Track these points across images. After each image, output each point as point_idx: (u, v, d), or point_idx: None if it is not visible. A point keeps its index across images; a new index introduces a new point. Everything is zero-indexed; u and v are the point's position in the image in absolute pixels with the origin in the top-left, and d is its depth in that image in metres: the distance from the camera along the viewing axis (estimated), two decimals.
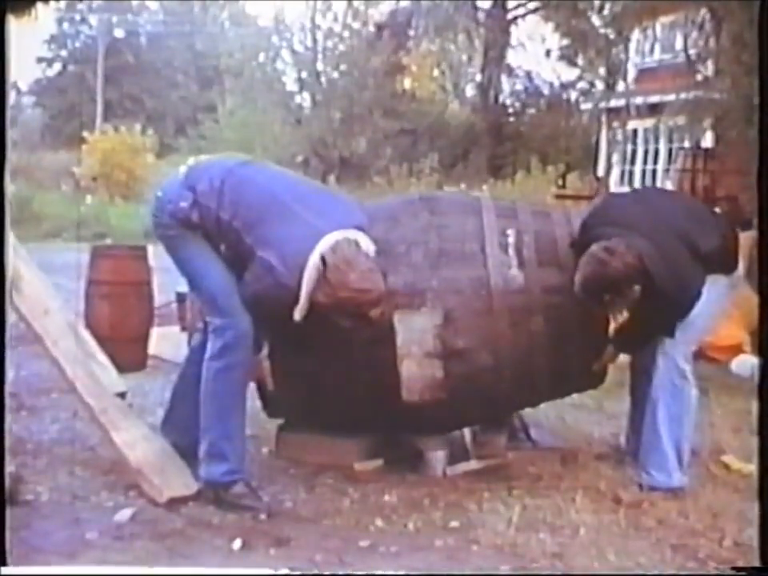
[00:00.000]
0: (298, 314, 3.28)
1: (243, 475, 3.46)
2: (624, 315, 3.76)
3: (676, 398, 3.73)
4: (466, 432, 4.18)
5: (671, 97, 11.12)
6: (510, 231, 3.80)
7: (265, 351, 3.63)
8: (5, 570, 2.69)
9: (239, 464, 3.46)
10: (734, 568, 2.87)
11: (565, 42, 16.54)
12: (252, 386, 3.75)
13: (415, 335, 3.64)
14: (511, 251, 3.76)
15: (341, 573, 2.85)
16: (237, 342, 3.40)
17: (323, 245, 3.26)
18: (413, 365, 3.64)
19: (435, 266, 3.72)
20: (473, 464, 3.81)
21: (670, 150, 16.91)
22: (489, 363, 3.67)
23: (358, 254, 3.30)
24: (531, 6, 21.91)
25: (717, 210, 4.31)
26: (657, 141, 17.54)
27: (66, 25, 37.87)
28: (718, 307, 3.97)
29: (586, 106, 19.00)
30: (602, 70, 16.08)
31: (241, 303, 3.38)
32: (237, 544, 3.03)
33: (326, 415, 3.83)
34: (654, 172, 17.55)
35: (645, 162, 18.05)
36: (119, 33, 37.47)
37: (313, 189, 3.74)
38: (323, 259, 3.23)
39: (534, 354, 3.72)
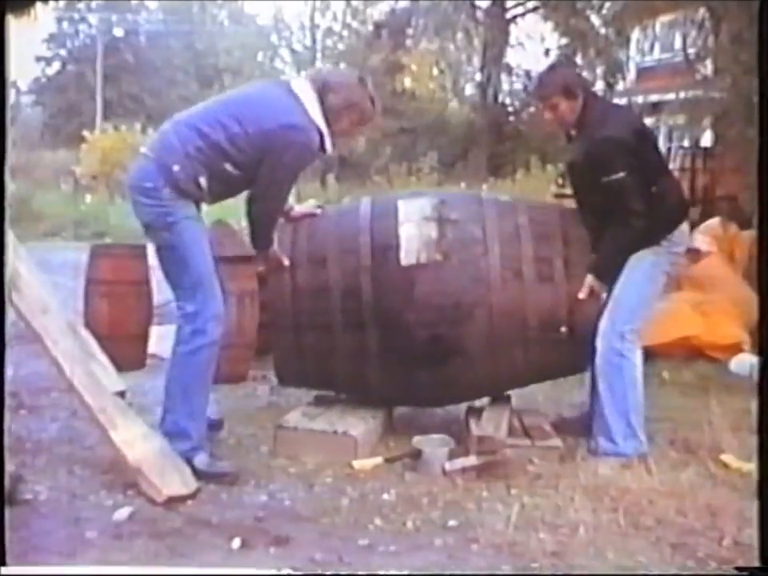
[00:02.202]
0: (329, 147, 3.81)
1: (204, 449, 3.71)
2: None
3: (616, 375, 4.08)
4: (466, 427, 4.21)
5: (670, 96, 11.14)
6: None
7: None
8: (4, 569, 2.69)
9: (200, 441, 3.72)
10: (740, 568, 2.87)
11: (564, 41, 16.54)
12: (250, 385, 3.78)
13: (415, 209, 4.21)
14: None
15: (341, 572, 2.85)
16: (206, 326, 3.65)
17: (301, 88, 3.80)
18: (411, 228, 4.14)
19: None
20: (472, 459, 3.81)
21: (669, 149, 16.90)
22: (479, 236, 4.14)
23: (348, 82, 3.93)
24: (530, 5, 21.90)
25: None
26: (656, 140, 17.53)
27: (65, 24, 37.85)
28: (647, 287, 4.16)
29: None
30: (601, 70, 16.09)
31: (218, 292, 3.71)
32: (236, 543, 3.03)
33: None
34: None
35: None
36: (118, 32, 37.46)
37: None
38: (328, 101, 3.80)
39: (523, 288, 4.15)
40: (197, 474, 3.58)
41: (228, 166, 3.72)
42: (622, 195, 4.00)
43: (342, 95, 3.85)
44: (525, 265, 4.16)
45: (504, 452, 3.85)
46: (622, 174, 3.97)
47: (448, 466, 3.80)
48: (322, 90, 3.83)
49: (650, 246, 4.10)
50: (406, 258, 4.11)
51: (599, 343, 4.08)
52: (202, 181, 3.70)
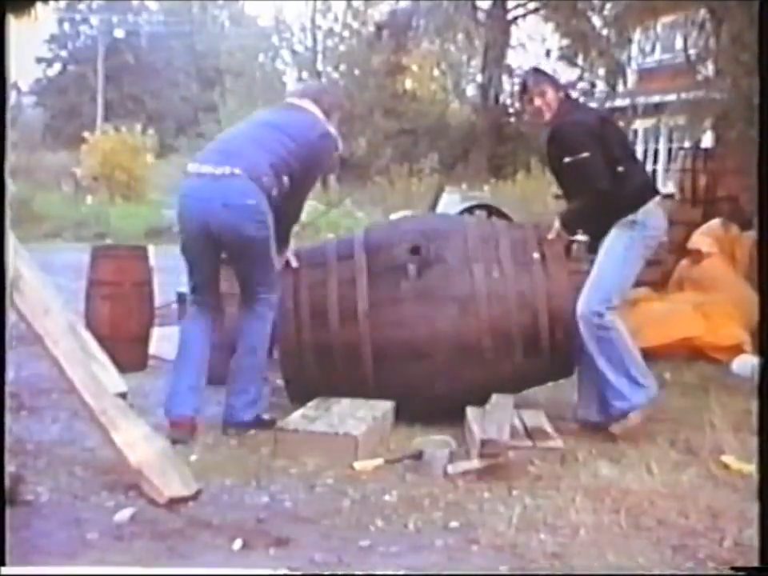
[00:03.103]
0: (340, 146, 4.60)
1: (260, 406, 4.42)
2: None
3: (606, 345, 4.41)
4: (468, 429, 4.21)
5: (671, 97, 11.11)
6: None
7: None
8: (5, 569, 2.69)
9: (196, 407, 4.29)
10: (733, 568, 2.87)
11: (565, 42, 16.51)
12: None
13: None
14: None
15: (341, 573, 2.85)
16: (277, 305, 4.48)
17: (309, 104, 4.47)
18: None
19: None
20: (474, 463, 3.81)
21: (670, 150, 16.91)
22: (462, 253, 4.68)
23: (332, 90, 5.04)
24: (531, 6, 21.87)
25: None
26: (657, 141, 17.53)
27: (66, 25, 37.92)
28: (621, 269, 4.50)
29: None
30: (602, 71, 16.06)
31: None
32: (237, 544, 3.03)
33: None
34: (654, 172, 17.53)
35: (644, 161, 18.04)
36: (119, 33, 37.52)
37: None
38: (323, 105, 4.47)
39: None
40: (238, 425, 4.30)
41: (286, 179, 4.25)
42: (587, 173, 4.46)
43: (331, 99, 4.59)
44: (507, 277, 4.60)
45: (507, 454, 3.85)
46: (586, 154, 4.43)
47: (450, 468, 3.79)
48: (318, 102, 4.49)
49: (616, 220, 4.49)
50: None
51: (580, 324, 4.42)
52: (275, 193, 4.20)
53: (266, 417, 4.41)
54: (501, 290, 4.57)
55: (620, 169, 4.50)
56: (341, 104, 4.68)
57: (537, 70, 4.96)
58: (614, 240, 4.50)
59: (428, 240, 4.67)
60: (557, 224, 4.64)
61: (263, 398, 4.50)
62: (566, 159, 4.49)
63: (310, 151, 4.32)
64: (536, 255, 4.64)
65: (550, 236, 4.65)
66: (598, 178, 4.45)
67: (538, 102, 4.59)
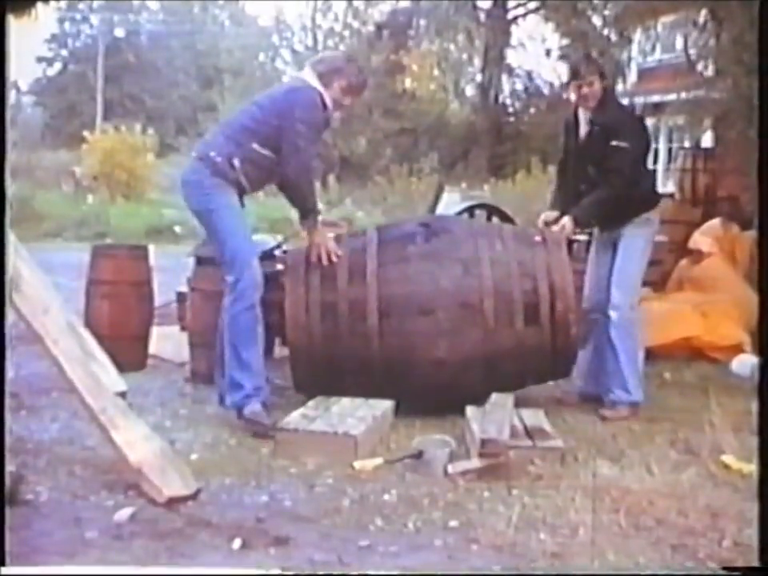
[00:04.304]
0: (330, 103, 4.51)
1: (259, 397, 4.34)
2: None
3: (629, 338, 4.84)
4: (468, 429, 4.21)
5: (672, 96, 11.12)
6: None
7: None
8: (5, 569, 2.69)
9: (254, 389, 4.33)
10: (733, 568, 2.87)
11: (565, 42, 16.51)
12: None
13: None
14: None
15: (341, 573, 2.85)
16: (244, 293, 4.31)
17: (305, 69, 4.60)
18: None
19: None
20: (475, 462, 3.81)
21: (670, 150, 16.91)
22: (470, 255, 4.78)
23: (334, 54, 5.14)
24: (531, 6, 21.90)
25: None
26: (657, 140, 17.52)
27: (66, 24, 37.90)
28: (641, 263, 4.95)
29: None
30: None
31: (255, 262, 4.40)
32: (236, 543, 3.03)
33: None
34: (654, 171, 17.54)
35: None
36: (120, 32, 37.50)
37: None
38: (317, 68, 4.53)
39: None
40: (244, 421, 4.31)
41: (256, 146, 4.41)
42: (626, 161, 4.72)
43: (327, 63, 4.62)
44: (509, 249, 4.78)
45: (507, 453, 3.85)
46: (629, 144, 4.71)
47: (450, 468, 3.79)
48: (313, 65, 4.62)
49: (633, 217, 4.83)
50: None
51: (614, 314, 4.81)
52: (236, 162, 4.37)
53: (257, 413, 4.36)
54: (503, 258, 4.74)
55: (643, 170, 4.92)
56: (338, 67, 4.57)
57: (589, 57, 5.49)
58: (634, 237, 4.85)
59: (436, 220, 5.34)
60: (566, 219, 4.79)
61: (244, 385, 4.37)
62: (613, 143, 4.70)
63: (276, 108, 4.46)
64: (537, 238, 4.81)
65: (556, 228, 4.82)
66: (635, 168, 4.78)
67: (585, 90, 4.79)
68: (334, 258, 4.63)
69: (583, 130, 4.90)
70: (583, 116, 4.92)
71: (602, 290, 4.92)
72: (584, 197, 4.83)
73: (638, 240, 4.86)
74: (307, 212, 4.62)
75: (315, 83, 4.50)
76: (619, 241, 4.88)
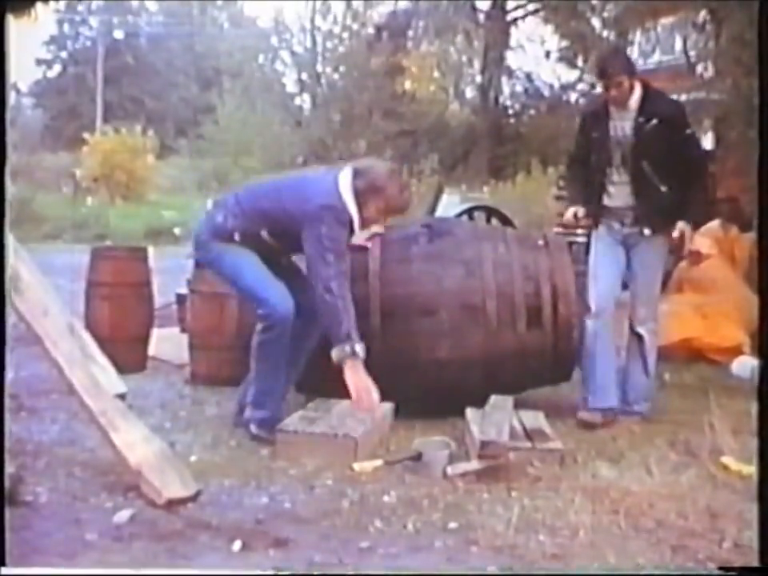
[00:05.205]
0: (357, 229, 4.17)
1: (274, 423, 4.16)
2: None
3: (652, 349, 4.89)
4: (467, 431, 4.21)
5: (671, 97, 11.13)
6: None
7: None
8: (4, 570, 2.69)
9: (271, 415, 4.25)
10: (732, 568, 2.87)
11: (564, 43, 16.52)
12: None
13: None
14: None
15: (337, 573, 2.85)
16: (273, 325, 4.17)
17: (343, 175, 4.16)
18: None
19: None
20: (474, 464, 3.81)
21: None
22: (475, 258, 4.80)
23: (377, 169, 4.25)
24: (531, 7, 21.85)
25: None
26: None
27: (65, 26, 37.93)
28: (660, 271, 4.90)
29: None
30: None
31: (279, 294, 4.17)
32: (236, 545, 3.03)
33: None
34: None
35: None
36: (119, 34, 37.53)
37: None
38: (355, 184, 4.12)
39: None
40: (248, 433, 4.27)
41: (265, 234, 4.22)
42: (699, 147, 4.81)
43: (367, 179, 4.16)
44: (512, 252, 4.80)
45: (507, 455, 3.85)
46: (690, 131, 4.73)
47: (450, 470, 3.79)
48: (354, 176, 4.17)
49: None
50: None
51: (642, 330, 4.81)
52: (236, 237, 4.23)
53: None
54: (506, 260, 4.76)
55: None
56: (380, 187, 4.13)
57: (614, 55, 5.10)
58: (657, 245, 4.77)
59: (439, 222, 5.40)
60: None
61: (265, 409, 4.33)
62: (687, 131, 4.68)
63: (303, 217, 4.08)
64: (540, 242, 4.81)
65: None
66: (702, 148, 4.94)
67: (614, 92, 4.62)
68: (376, 406, 4.08)
69: (627, 125, 4.66)
70: (619, 112, 4.70)
71: (609, 298, 4.79)
72: (644, 193, 4.65)
73: (660, 249, 4.81)
74: (339, 339, 3.96)
75: (350, 202, 4.11)
76: (636, 247, 4.77)
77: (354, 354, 3.92)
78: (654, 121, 4.61)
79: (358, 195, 4.13)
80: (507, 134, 23.78)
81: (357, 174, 4.17)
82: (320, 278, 4.01)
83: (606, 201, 4.79)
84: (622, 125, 4.69)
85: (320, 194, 4.12)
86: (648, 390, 4.92)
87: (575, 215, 4.80)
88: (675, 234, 4.64)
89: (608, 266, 4.80)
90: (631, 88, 4.63)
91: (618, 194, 4.76)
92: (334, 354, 3.94)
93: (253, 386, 4.33)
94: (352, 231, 4.16)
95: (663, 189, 4.63)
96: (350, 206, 4.11)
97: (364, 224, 4.21)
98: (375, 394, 3.95)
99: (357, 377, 3.93)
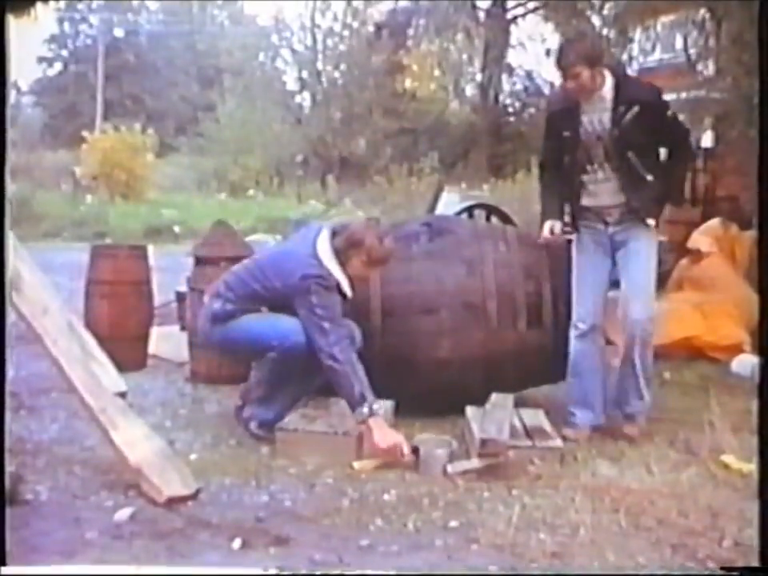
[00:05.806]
0: (347, 290, 4.18)
1: (275, 421, 4.18)
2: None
3: (647, 348, 4.49)
4: (468, 429, 4.21)
5: (672, 96, 11.12)
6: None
7: None
8: (5, 569, 2.69)
9: (276, 415, 4.22)
10: (733, 568, 2.87)
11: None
12: None
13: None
14: None
15: (338, 572, 2.85)
16: (285, 352, 4.11)
17: (321, 239, 4.18)
18: None
19: None
20: (474, 462, 3.81)
21: None
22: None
23: (353, 225, 4.36)
24: (531, 5, 21.88)
25: None
26: None
27: (66, 24, 37.89)
28: (653, 269, 4.53)
29: None
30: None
31: (288, 327, 4.12)
32: (236, 543, 3.03)
33: None
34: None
35: None
36: (119, 32, 37.49)
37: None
38: (334, 244, 4.16)
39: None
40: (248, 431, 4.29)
41: (264, 310, 4.26)
42: (681, 127, 4.62)
43: (345, 236, 4.20)
44: (513, 251, 4.80)
45: (507, 453, 3.85)
46: (671, 112, 4.49)
47: (450, 468, 3.80)
48: (332, 236, 4.21)
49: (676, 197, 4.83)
50: None
51: (635, 328, 4.39)
52: (237, 315, 4.24)
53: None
54: (507, 259, 4.77)
55: None
56: (357, 240, 4.17)
57: (568, 44, 4.46)
58: (647, 240, 4.44)
59: (440, 220, 5.34)
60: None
61: (269, 412, 4.32)
62: (669, 113, 4.47)
63: (290, 287, 4.11)
64: (541, 241, 4.68)
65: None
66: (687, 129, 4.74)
67: (570, 84, 4.27)
68: (408, 456, 3.92)
69: (605, 117, 4.31)
70: (590, 105, 4.32)
71: (596, 314, 4.51)
72: (633, 185, 4.36)
73: (652, 243, 4.46)
74: (355, 403, 3.92)
75: (333, 267, 4.13)
76: (625, 245, 4.43)
77: (372, 413, 3.88)
78: (635, 108, 4.27)
79: (339, 254, 4.16)
80: (507, 132, 23.81)
81: (334, 233, 4.22)
82: (321, 348, 3.99)
83: (587, 201, 4.46)
84: (599, 117, 4.33)
85: (301, 266, 4.11)
86: (644, 404, 4.53)
87: (551, 231, 4.50)
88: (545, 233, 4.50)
89: (590, 280, 4.51)
90: (594, 78, 4.24)
91: (602, 192, 4.42)
92: (355, 418, 3.92)
93: (260, 389, 4.32)
94: (342, 293, 4.16)
95: (649, 178, 4.34)
96: (333, 271, 4.13)
97: (351, 281, 4.21)
98: (406, 446, 3.89)
99: (382, 434, 3.88)
